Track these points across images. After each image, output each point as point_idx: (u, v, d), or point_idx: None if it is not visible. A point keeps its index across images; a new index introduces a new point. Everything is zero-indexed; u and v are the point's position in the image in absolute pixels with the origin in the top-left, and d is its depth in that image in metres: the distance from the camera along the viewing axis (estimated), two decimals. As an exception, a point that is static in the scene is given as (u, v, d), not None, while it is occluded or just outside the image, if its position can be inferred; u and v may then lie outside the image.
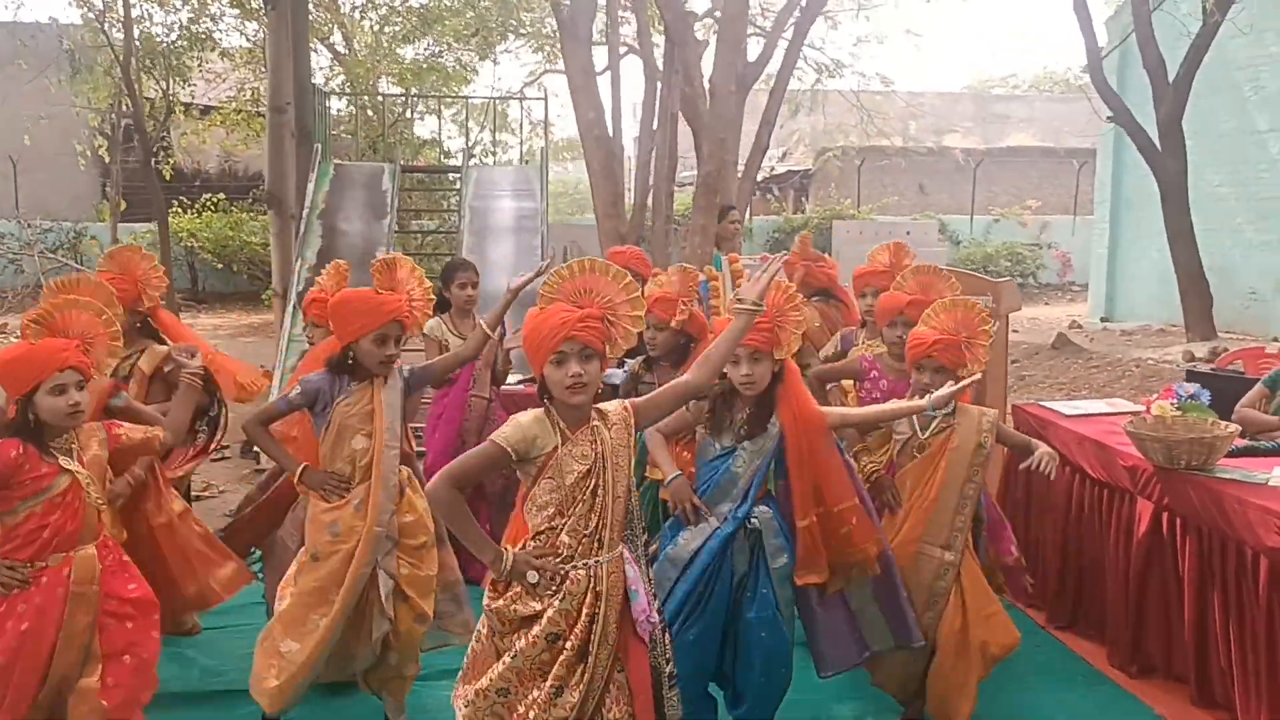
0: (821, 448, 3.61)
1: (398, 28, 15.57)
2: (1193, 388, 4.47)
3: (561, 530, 2.78)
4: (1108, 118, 14.13)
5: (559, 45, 17.74)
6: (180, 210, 19.31)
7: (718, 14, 15.70)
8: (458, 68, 16.61)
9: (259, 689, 3.67)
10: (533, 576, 2.75)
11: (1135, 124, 13.37)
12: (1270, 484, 3.81)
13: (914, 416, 3.75)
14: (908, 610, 3.66)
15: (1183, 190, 13.34)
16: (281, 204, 11.59)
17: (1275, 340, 13.62)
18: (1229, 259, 14.80)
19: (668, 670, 2.98)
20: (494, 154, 15.55)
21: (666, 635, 3.04)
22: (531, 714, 2.73)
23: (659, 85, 11.89)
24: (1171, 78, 13.10)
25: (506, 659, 2.77)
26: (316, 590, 3.65)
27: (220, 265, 18.87)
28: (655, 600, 3.00)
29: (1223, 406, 4.44)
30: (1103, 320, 17.30)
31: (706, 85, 10.59)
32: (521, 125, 13.33)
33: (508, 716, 2.78)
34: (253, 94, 18.72)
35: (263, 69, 18.12)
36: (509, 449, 2.76)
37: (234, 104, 18.50)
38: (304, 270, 9.39)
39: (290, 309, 8.97)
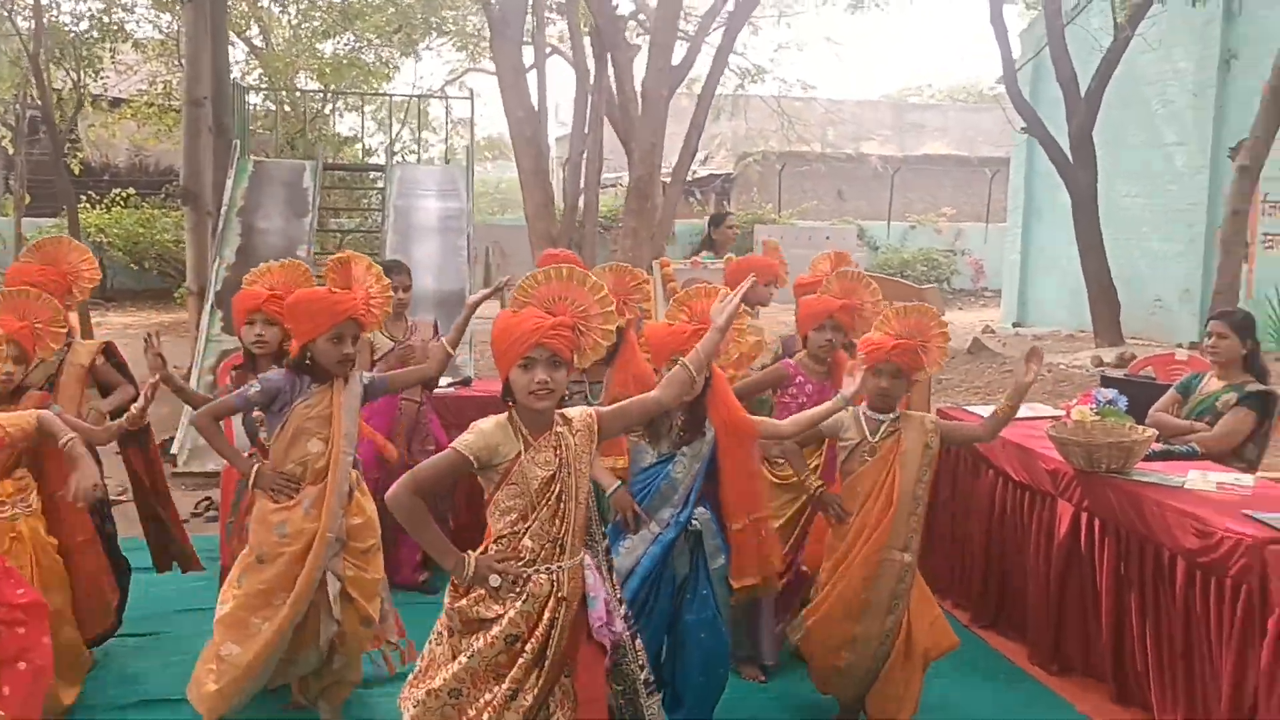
0: (750, 455, 3.67)
1: (317, 23, 15.28)
2: (1110, 393, 4.60)
3: (524, 535, 2.77)
4: (1021, 129, 14.50)
5: (483, 43, 17.69)
6: (89, 205, 18.74)
7: (641, 16, 15.77)
8: (379, 64, 16.37)
9: (197, 694, 3.59)
10: (494, 580, 2.74)
11: (1048, 135, 13.75)
12: (1186, 487, 3.95)
13: (863, 422, 3.78)
14: (764, 632, 3.91)
15: (1093, 201, 13.76)
16: (198, 200, 11.33)
17: (1180, 346, 14.10)
18: (1136, 268, 15.28)
19: (643, 677, 3.00)
20: (416, 153, 15.36)
21: (638, 641, 3.04)
22: (485, 717, 2.72)
23: (589, 87, 11.86)
24: (1084, 91, 13.49)
25: (463, 659, 2.75)
26: (261, 593, 3.58)
27: (131, 262, 18.35)
28: (622, 606, 3.01)
29: (1136, 411, 4.57)
30: (1015, 326, 17.74)
31: (638, 89, 10.63)
32: (446, 123, 13.21)
33: (456, 718, 2.76)
34: (165, 87, 18.25)
35: (176, 62, 17.71)
36: (471, 456, 2.74)
37: (145, 97, 17.99)
38: (222, 269, 9.20)
39: (208, 308, 8.78)
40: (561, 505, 2.78)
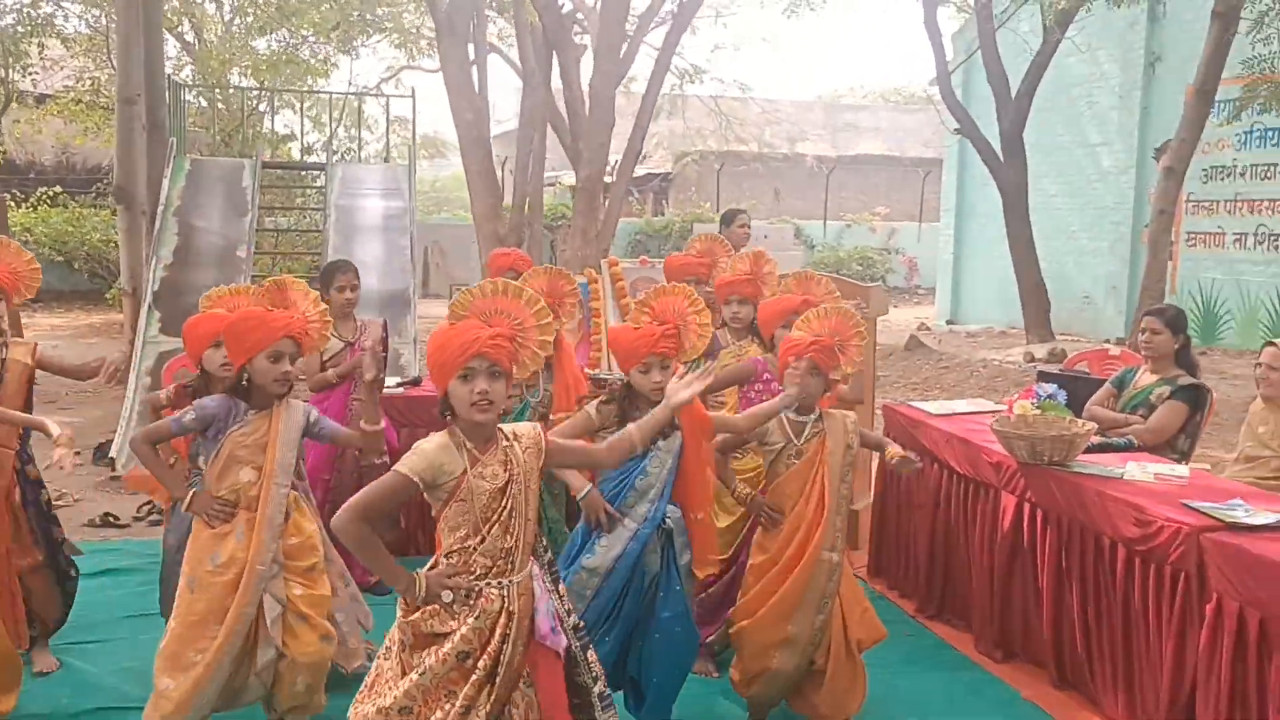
0: (709, 448, 3.72)
1: (251, 19, 15.04)
2: (1051, 388, 4.75)
3: (475, 551, 2.74)
4: (954, 130, 14.76)
5: (421, 41, 17.57)
6: (13, 204, 18.27)
7: (580, 16, 15.80)
8: (316, 62, 16.17)
9: None
10: (447, 596, 2.72)
11: (980, 136, 14.03)
12: (1125, 478, 4.09)
13: (787, 425, 3.84)
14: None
15: (1023, 199, 14.07)
16: (132, 199, 11.11)
17: (1108, 342, 14.49)
18: (1064, 265, 15.67)
19: (597, 690, 2.97)
20: (356, 151, 15.17)
21: (590, 653, 3.01)
22: None
23: (533, 87, 11.86)
24: (1013, 93, 13.79)
25: (414, 675, 2.72)
26: (194, 624, 3.48)
27: (60, 261, 17.94)
28: (571, 616, 2.98)
29: (1073, 405, 4.71)
30: (949, 323, 18.08)
31: (586, 89, 10.67)
32: (387, 122, 13.02)
33: None
34: (93, 83, 17.88)
35: (105, 58, 17.36)
36: (415, 478, 2.70)
37: (72, 93, 17.60)
38: (159, 269, 9.05)
39: (145, 309, 8.64)
40: (512, 520, 2.76)
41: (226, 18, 17.09)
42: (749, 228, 7.10)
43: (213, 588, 3.48)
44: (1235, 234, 13.54)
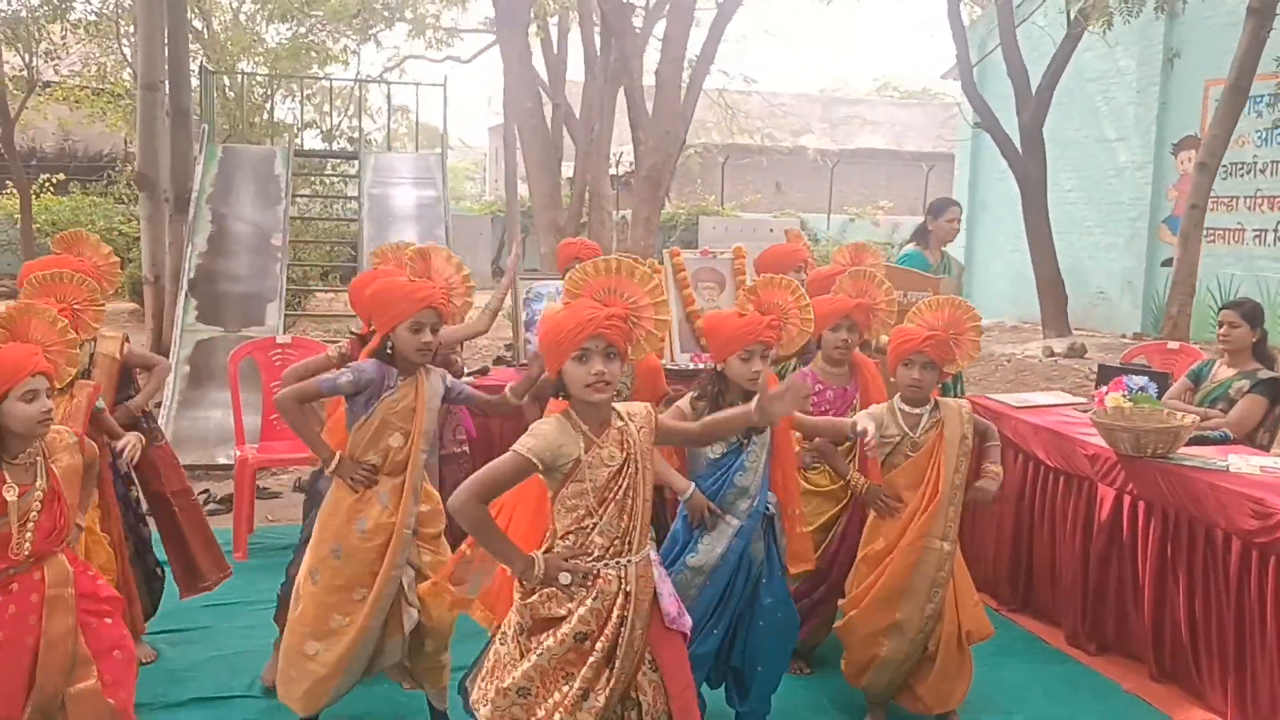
0: (793, 446, 3.73)
1: (272, 6, 14.85)
2: (1142, 380, 4.76)
3: (592, 531, 2.72)
4: (975, 123, 14.74)
5: (440, 31, 17.45)
6: (13, 192, 18.08)
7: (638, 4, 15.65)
8: (338, 50, 16.01)
9: (288, 694, 3.54)
10: (565, 578, 2.70)
11: (1000, 130, 13.99)
12: (1231, 470, 4.07)
13: (901, 418, 3.81)
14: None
15: (1042, 194, 14.04)
16: (154, 187, 11.00)
17: (1123, 337, 14.52)
18: (1079, 260, 15.68)
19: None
20: (387, 139, 14.82)
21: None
22: (556, 717, 2.68)
23: (597, 75, 11.76)
24: (1033, 87, 13.77)
25: (532, 658, 2.71)
26: (340, 589, 3.51)
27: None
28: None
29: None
30: (961, 317, 18.06)
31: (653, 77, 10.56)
32: (415, 112, 12.87)
33: (525, 718, 2.72)
34: (99, 70, 17.69)
35: (111, 43, 17.18)
36: (534, 459, 2.68)
37: (79, 79, 17.40)
38: (194, 257, 8.96)
39: (183, 297, 8.55)
40: (629, 500, 2.74)
41: (235, 4, 16.90)
42: (958, 222, 6.43)
43: (359, 553, 3.50)
44: (1255, 230, 13.57)
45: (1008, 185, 15.65)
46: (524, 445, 2.69)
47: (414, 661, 3.66)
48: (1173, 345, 6.79)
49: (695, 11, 18.53)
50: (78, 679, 3.06)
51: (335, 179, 13.31)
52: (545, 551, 2.77)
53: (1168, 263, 13.75)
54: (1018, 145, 13.90)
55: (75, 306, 3.72)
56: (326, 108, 16.38)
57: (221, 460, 7.14)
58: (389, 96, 14.01)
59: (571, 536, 2.74)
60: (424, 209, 9.99)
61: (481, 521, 2.72)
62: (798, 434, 4.06)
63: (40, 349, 3.13)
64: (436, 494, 3.72)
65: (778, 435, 3.61)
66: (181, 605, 4.65)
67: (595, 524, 2.71)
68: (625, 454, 2.74)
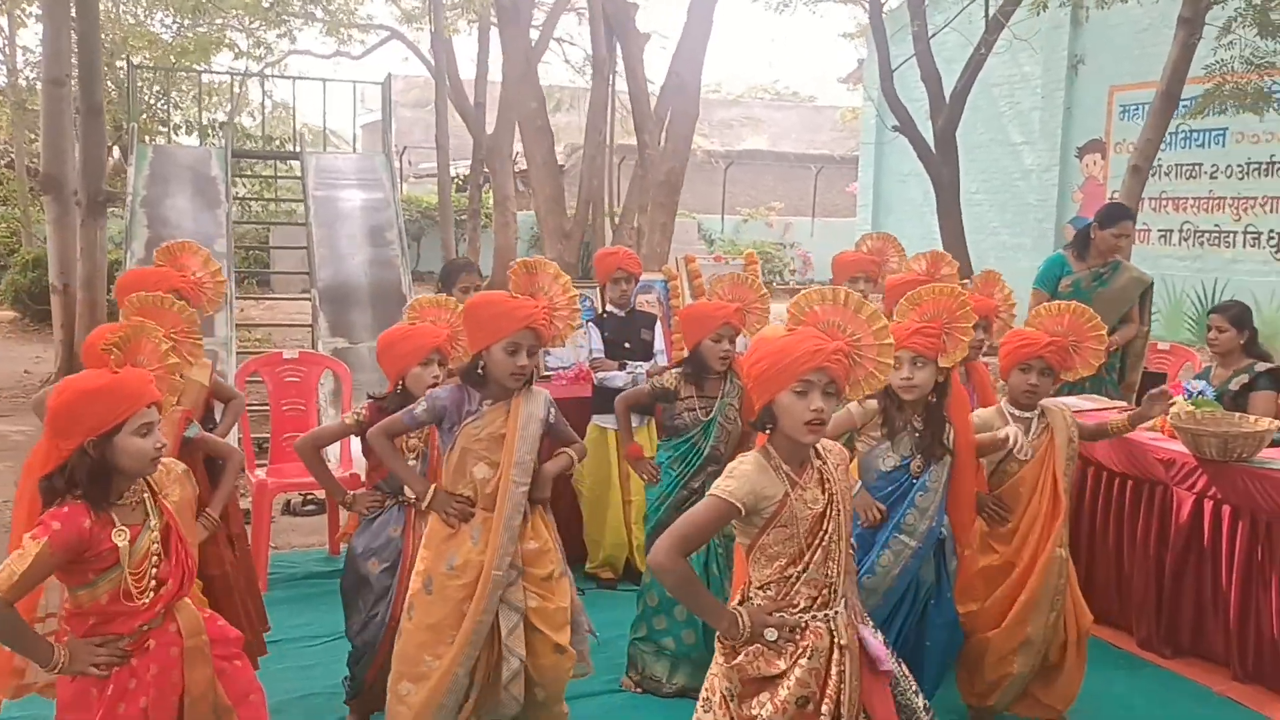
0: (975, 478, 3.62)
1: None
2: (1201, 384, 4.81)
3: (798, 581, 2.52)
4: (893, 127, 14.97)
5: (352, 29, 16.77)
6: None
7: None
8: (252, 45, 15.19)
9: None
10: (770, 634, 2.49)
11: (919, 135, 14.24)
12: (1316, 471, 4.13)
13: (1014, 422, 3.76)
14: None
15: (956, 198, 14.35)
16: (60, 188, 10.28)
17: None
18: (986, 261, 16.07)
19: (920, 704, 2.81)
20: (322, 140, 14.00)
21: (903, 666, 2.85)
22: None
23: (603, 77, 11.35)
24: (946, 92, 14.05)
25: None
26: (430, 628, 3.27)
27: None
28: (877, 634, 2.79)
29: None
30: (867, 317, 18.38)
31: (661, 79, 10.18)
32: (354, 108, 12.23)
33: None
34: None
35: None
36: (737, 504, 2.47)
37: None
38: (132, 263, 8.33)
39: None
40: (833, 545, 2.55)
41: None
42: (1128, 236, 5.84)
43: (448, 591, 3.26)
44: (1160, 230, 14.15)
45: (910, 188, 16.00)
46: (724, 489, 2.48)
47: (528, 713, 3.41)
48: (1163, 345, 6.96)
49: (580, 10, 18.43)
50: None
51: (256, 181, 12.59)
52: (739, 603, 2.56)
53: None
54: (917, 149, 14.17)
55: (174, 336, 3.33)
56: (209, 102, 15.52)
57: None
58: (354, 92, 13.03)
59: (773, 587, 2.52)
60: (373, 212, 9.53)
61: (685, 578, 2.51)
62: None
63: (152, 376, 2.78)
64: (547, 531, 3.44)
65: (961, 459, 3.48)
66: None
67: (799, 574, 2.51)
68: (827, 495, 2.54)
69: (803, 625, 2.50)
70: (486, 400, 3.29)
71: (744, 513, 2.47)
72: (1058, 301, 3.94)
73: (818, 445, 2.60)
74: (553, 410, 3.42)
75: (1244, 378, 5.10)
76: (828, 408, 2.49)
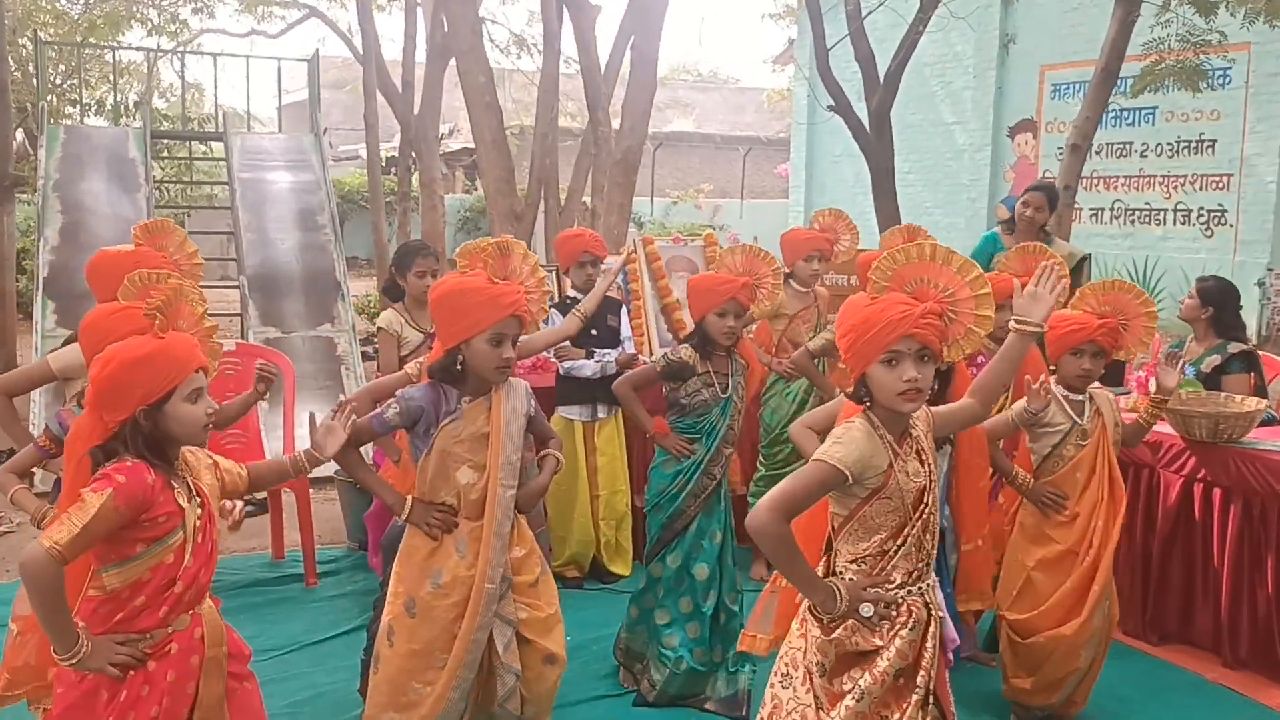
0: (984, 471, 3.45)
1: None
2: (1190, 371, 4.72)
3: (896, 555, 2.40)
4: (829, 107, 14.87)
5: (271, 5, 16.16)
6: None
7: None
8: (165, 21, 14.46)
9: None
10: (866, 609, 2.37)
11: (854, 115, 14.16)
12: (1307, 450, 4.06)
13: (1068, 406, 3.60)
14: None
15: (891, 179, 14.30)
16: (-36, 172, 9.67)
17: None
18: (920, 241, 16.18)
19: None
20: (247, 120, 13.32)
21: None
22: None
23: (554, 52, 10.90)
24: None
25: (849, 701, 2.35)
26: (417, 654, 3.01)
27: None
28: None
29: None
30: (800, 299, 18.35)
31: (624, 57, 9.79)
32: (278, 86, 11.67)
33: None
34: None
35: None
36: (845, 471, 2.32)
37: None
38: (46, 252, 7.83)
39: (39, 299, 7.47)
40: (931, 518, 2.44)
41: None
42: (1032, 209, 5.88)
43: (435, 612, 2.99)
44: (1092, 209, 14.27)
45: (842, 169, 15.93)
46: (831, 454, 2.34)
47: None
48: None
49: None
50: None
51: (174, 162, 11.99)
52: (825, 576, 2.44)
53: (1011, 242, 14.32)
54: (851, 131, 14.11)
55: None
56: (121, 82, 14.78)
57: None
58: (278, 71, 12.43)
59: (868, 561, 2.40)
60: (303, 195, 9.10)
61: (785, 542, 2.34)
62: None
63: (195, 340, 2.61)
64: (530, 534, 3.20)
65: (963, 449, 3.31)
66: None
67: (898, 547, 2.39)
68: (925, 466, 2.43)
69: (899, 601, 2.40)
70: (464, 398, 3.03)
71: (849, 481, 2.33)
72: (1104, 280, 3.76)
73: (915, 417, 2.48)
74: (532, 403, 3.17)
75: (1215, 358, 5.02)
76: (923, 374, 2.36)
